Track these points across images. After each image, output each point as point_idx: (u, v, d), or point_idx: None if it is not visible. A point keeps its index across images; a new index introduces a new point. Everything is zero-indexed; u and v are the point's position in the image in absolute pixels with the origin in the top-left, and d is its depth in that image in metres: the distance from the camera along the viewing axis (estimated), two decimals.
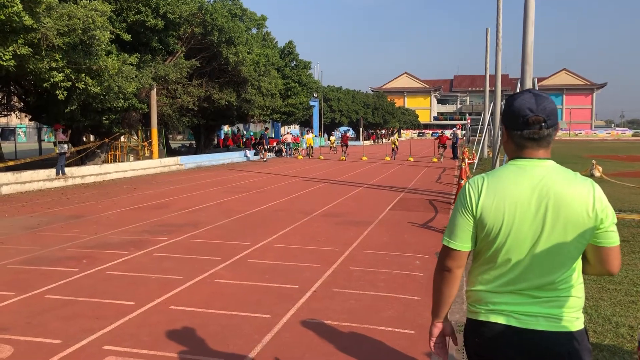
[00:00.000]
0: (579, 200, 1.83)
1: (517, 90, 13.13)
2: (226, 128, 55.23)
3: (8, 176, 16.33)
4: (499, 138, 22.66)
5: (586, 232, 1.84)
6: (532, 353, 1.88)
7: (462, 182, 13.63)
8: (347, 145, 37.30)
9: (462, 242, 1.96)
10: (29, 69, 14.99)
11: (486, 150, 32.96)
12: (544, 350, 1.87)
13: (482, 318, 1.98)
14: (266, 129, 36.44)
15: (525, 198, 1.85)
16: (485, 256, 1.96)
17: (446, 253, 2.02)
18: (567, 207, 1.83)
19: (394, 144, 35.05)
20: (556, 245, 1.84)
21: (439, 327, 2.17)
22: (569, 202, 1.83)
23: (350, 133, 75.83)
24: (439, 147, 32.92)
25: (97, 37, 15.98)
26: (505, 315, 1.92)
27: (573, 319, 1.89)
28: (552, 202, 1.84)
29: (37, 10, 13.80)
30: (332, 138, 46.49)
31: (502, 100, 28.64)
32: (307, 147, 38.46)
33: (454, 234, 1.97)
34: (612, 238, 1.89)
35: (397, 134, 44.00)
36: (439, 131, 39.45)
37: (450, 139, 35.86)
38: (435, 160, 31.01)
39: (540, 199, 1.85)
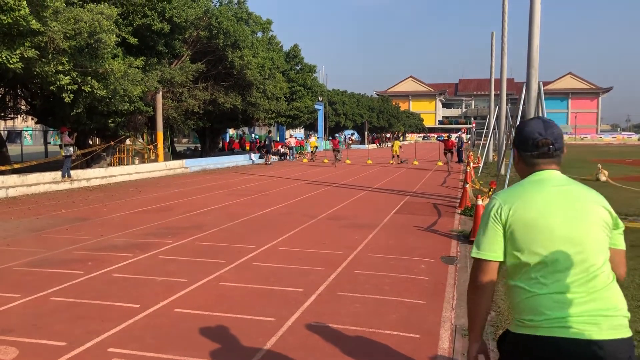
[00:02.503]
0: (599, 202, 2.00)
1: (523, 94, 13.14)
2: (231, 131, 55.37)
3: (14, 179, 16.40)
4: (504, 142, 22.60)
5: (608, 229, 1.99)
6: None
7: (467, 186, 13.59)
8: (338, 151, 33.20)
9: (493, 252, 2.02)
10: (35, 72, 15.06)
11: (491, 154, 32.88)
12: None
13: (541, 333, 1.91)
14: (269, 132, 36.07)
15: (553, 199, 1.98)
16: (528, 263, 1.97)
17: (478, 266, 2.06)
18: (592, 205, 1.98)
19: (395, 152, 32.54)
20: (592, 235, 1.94)
21: (477, 347, 2.14)
22: (592, 201, 1.99)
23: (355, 137, 75.86)
24: (445, 152, 28.79)
25: (103, 41, 16.04)
26: (563, 327, 1.89)
27: (626, 323, 1.94)
28: (578, 201, 1.98)
29: (44, 14, 13.87)
30: (312, 139, 40.23)
31: (507, 104, 28.60)
32: (311, 151, 38.48)
33: (484, 245, 2.03)
34: (622, 241, 2.06)
35: (400, 138, 41.58)
36: (445, 135, 36.39)
37: (455, 143, 33.41)
38: (440, 164, 30.38)
39: (566, 198, 1.99)
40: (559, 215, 1.94)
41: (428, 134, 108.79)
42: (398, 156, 32.56)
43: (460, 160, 33.17)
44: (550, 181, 2.04)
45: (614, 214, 2.02)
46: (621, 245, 2.03)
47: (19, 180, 16.47)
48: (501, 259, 2.02)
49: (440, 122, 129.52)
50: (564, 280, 1.91)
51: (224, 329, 4.95)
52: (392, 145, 34.21)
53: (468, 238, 9.04)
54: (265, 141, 32.61)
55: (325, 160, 35.18)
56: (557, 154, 2.07)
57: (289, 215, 11.79)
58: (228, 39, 25.79)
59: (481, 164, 28.48)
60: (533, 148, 2.06)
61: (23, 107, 25.41)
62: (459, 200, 13.82)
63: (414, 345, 4.61)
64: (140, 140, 28.05)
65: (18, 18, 13.06)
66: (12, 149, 26.01)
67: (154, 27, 20.44)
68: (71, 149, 18.69)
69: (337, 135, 38.70)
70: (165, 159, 26.10)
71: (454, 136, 37.92)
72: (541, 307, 1.91)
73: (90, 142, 25.05)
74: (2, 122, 33.03)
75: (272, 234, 9.60)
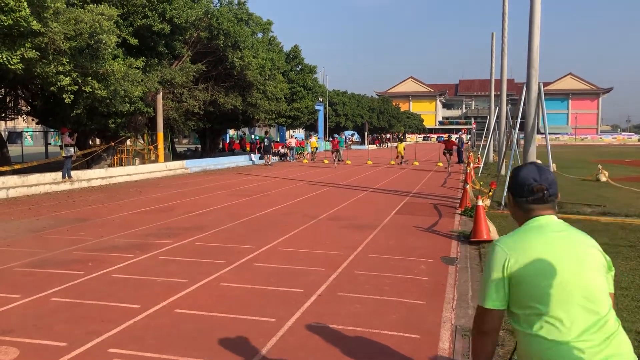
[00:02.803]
0: (595, 247, 2.07)
1: (523, 94, 13.13)
2: (232, 132, 55.37)
3: (15, 179, 16.42)
4: (504, 142, 22.61)
5: (606, 273, 2.06)
6: None
7: (467, 186, 13.60)
8: (337, 151, 32.73)
9: (498, 302, 2.06)
10: (36, 73, 15.07)
11: (492, 154, 32.88)
12: None
13: None
14: (266, 132, 35.84)
15: (557, 247, 2.02)
16: (542, 312, 1.99)
17: (483, 315, 2.10)
18: (591, 250, 2.05)
19: (400, 153, 32.87)
20: (598, 282, 2.01)
21: None
22: (591, 246, 2.06)
23: (356, 137, 75.84)
24: (444, 152, 28.88)
25: (103, 41, 16.05)
26: None
27: None
28: (579, 247, 2.05)
29: (45, 14, 13.89)
30: (313, 140, 40.02)
31: (507, 105, 28.61)
32: (312, 152, 38.48)
33: (490, 295, 2.07)
34: (612, 285, 2.11)
35: (403, 139, 41.17)
36: (445, 135, 36.19)
37: (456, 143, 33.13)
38: (441, 164, 30.27)
39: (569, 245, 2.04)
40: (566, 264, 1.99)
41: (428, 135, 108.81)
42: (402, 157, 32.80)
43: (460, 161, 33.16)
44: (550, 228, 2.08)
45: (608, 257, 2.09)
46: (612, 288, 2.10)
47: (19, 181, 16.49)
48: (504, 308, 2.07)
49: (441, 123, 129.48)
50: (581, 328, 1.94)
51: (224, 330, 4.95)
52: (397, 147, 34.23)
53: (468, 238, 9.04)
54: (264, 142, 32.56)
55: (326, 161, 35.16)
56: (552, 199, 2.12)
57: (289, 216, 11.80)
58: (228, 39, 25.80)
59: (481, 165, 28.49)
60: (528, 194, 2.11)
61: (24, 108, 25.42)
62: (459, 201, 13.82)
63: (414, 345, 4.61)
64: (141, 140, 28.06)
65: (19, 19, 13.07)
66: (13, 150, 26.01)
67: (155, 27, 20.45)
68: (71, 149, 18.70)
69: (336, 135, 38.10)
70: (166, 159, 26.11)
71: (454, 137, 37.71)
72: (564, 357, 1.93)
73: (90, 142, 25.05)
74: (3, 122, 33.04)
75: (272, 234, 9.61)
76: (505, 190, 2.23)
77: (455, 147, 30.68)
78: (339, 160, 32.78)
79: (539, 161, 2.14)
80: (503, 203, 12.94)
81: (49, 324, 5.09)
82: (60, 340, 4.68)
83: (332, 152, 32.99)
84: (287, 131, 55.04)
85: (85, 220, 11.18)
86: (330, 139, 36.99)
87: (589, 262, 2.02)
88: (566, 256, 2.00)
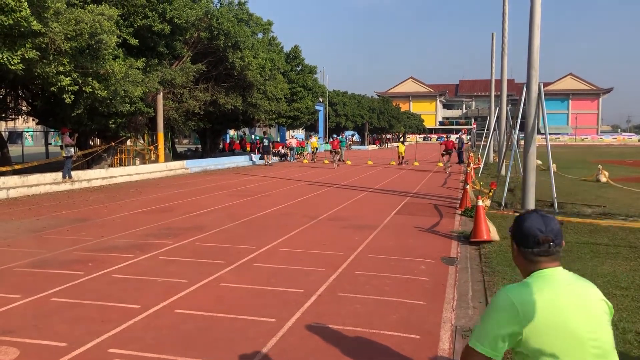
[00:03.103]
0: (601, 297, 2.11)
1: (523, 95, 13.13)
2: (232, 132, 55.36)
3: (15, 179, 16.42)
4: (504, 143, 22.61)
5: (608, 319, 2.10)
6: None
7: (467, 187, 13.60)
8: (336, 152, 32.08)
9: (495, 351, 2.04)
10: (36, 73, 15.07)
11: (492, 155, 32.88)
12: None
13: None
14: (265, 132, 35.69)
15: (567, 300, 2.04)
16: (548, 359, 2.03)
17: (473, 356, 2.09)
18: (598, 302, 2.09)
19: (401, 154, 32.57)
20: (606, 333, 2.05)
21: None
22: (597, 298, 2.10)
23: (356, 137, 75.80)
24: (443, 154, 28.75)
25: (104, 42, 16.05)
26: None
27: None
28: (588, 299, 2.07)
29: (45, 15, 13.89)
30: (313, 140, 39.46)
31: (507, 105, 28.61)
32: (312, 152, 38.47)
33: (488, 341, 2.05)
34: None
35: (402, 139, 40.78)
36: (444, 136, 35.75)
37: (455, 144, 32.66)
38: (441, 165, 30.16)
39: (578, 298, 2.06)
40: (577, 317, 2.02)
41: (428, 135, 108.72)
42: (402, 157, 32.73)
43: (460, 161, 33.14)
44: (558, 280, 2.09)
45: (610, 304, 2.12)
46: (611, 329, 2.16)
47: (19, 181, 16.49)
48: (499, 359, 2.06)
49: (441, 123, 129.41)
50: None
51: (225, 330, 4.96)
52: (397, 147, 34.19)
53: (468, 239, 9.05)
54: (263, 142, 32.54)
55: (326, 161, 35.12)
56: (557, 250, 2.12)
57: (289, 216, 11.80)
58: (229, 40, 25.80)
59: (481, 165, 28.48)
60: (534, 245, 2.10)
61: (24, 108, 25.42)
62: (459, 201, 13.82)
63: (414, 346, 4.62)
64: (141, 141, 28.07)
65: (19, 19, 13.08)
66: (13, 150, 26.02)
67: (155, 28, 20.45)
68: (72, 149, 18.71)
69: (335, 135, 37.77)
70: (166, 159, 26.12)
71: (454, 137, 37.58)
72: None
73: (91, 143, 25.05)
74: (3, 123, 33.05)
75: (272, 234, 9.61)
76: (510, 238, 2.23)
77: (454, 148, 30.47)
78: (339, 161, 32.67)
79: (545, 213, 2.14)
80: (503, 203, 12.94)
81: (49, 324, 5.09)
82: (60, 340, 4.68)
83: (331, 153, 32.36)
84: (287, 131, 55.05)
85: (86, 221, 11.18)
86: (330, 139, 36.55)
87: (597, 313, 2.05)
88: (577, 310, 2.03)
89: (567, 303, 2.03)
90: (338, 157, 32.34)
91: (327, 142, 51.16)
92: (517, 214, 2.22)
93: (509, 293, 2.08)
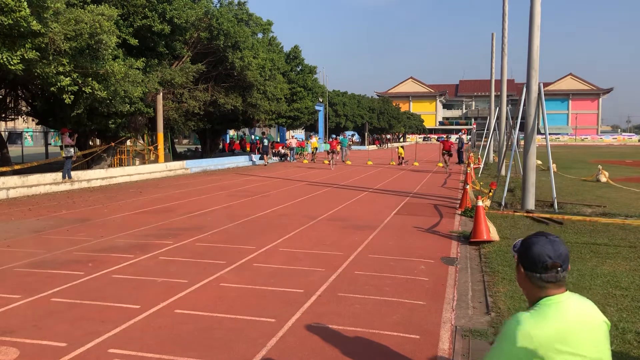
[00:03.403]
0: (603, 319, 2.18)
1: (523, 95, 13.13)
2: (232, 132, 55.37)
3: (15, 180, 16.42)
4: (504, 143, 22.60)
5: (608, 339, 2.19)
6: None
7: (467, 187, 13.59)
8: (334, 152, 30.55)
9: None
10: (36, 73, 15.07)
11: (492, 155, 32.88)
12: None
13: None
14: (263, 133, 35.53)
15: (574, 329, 2.09)
16: None
17: None
18: (602, 324, 2.16)
19: (401, 154, 32.99)
20: (605, 356, 2.12)
21: None
22: (601, 320, 2.16)
23: (356, 137, 75.80)
24: (443, 154, 28.03)
25: (103, 42, 16.05)
26: None
27: None
28: (592, 325, 2.13)
29: (45, 15, 13.89)
30: (314, 140, 38.95)
31: (507, 105, 28.60)
32: (312, 152, 38.46)
33: None
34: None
35: (401, 139, 40.62)
36: (444, 135, 35.47)
37: (455, 144, 32.43)
38: (441, 165, 30.04)
39: (584, 325, 2.11)
40: (586, 343, 2.08)
41: (428, 135, 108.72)
42: (402, 157, 32.98)
43: (460, 161, 33.14)
44: (567, 309, 2.12)
45: (609, 322, 2.20)
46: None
47: (19, 182, 16.49)
48: None
49: (441, 123, 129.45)
50: None
51: (224, 330, 4.95)
52: (398, 149, 34.56)
53: (468, 239, 9.05)
54: (263, 142, 32.54)
55: (326, 162, 35.10)
56: (564, 276, 2.15)
57: (289, 217, 11.80)
58: (228, 40, 25.80)
59: (481, 165, 28.48)
60: (542, 270, 2.13)
61: (24, 108, 25.43)
62: (459, 201, 13.82)
63: (414, 346, 4.62)
64: (141, 141, 28.06)
65: (19, 19, 13.07)
66: (13, 150, 26.02)
67: (155, 28, 20.46)
68: (72, 150, 18.70)
69: (334, 135, 37.48)
70: (166, 160, 26.12)
71: (454, 137, 37.53)
72: None
73: (90, 143, 25.04)
74: (3, 123, 33.08)
75: (272, 235, 9.61)
76: (515, 259, 2.26)
77: (454, 148, 30.05)
78: (341, 161, 32.48)
79: (552, 237, 2.19)
80: (503, 203, 12.94)
81: (49, 324, 5.09)
82: (60, 340, 4.68)
83: (329, 153, 30.85)
84: (287, 131, 55.03)
85: (86, 221, 11.18)
86: (329, 139, 36.05)
87: (601, 336, 2.13)
88: (586, 337, 2.09)
89: (577, 330, 2.08)
90: (337, 157, 31.80)
91: (326, 142, 51.15)
92: (525, 238, 2.24)
93: (522, 326, 2.08)
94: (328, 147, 32.52)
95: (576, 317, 2.11)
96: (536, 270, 2.12)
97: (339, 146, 34.20)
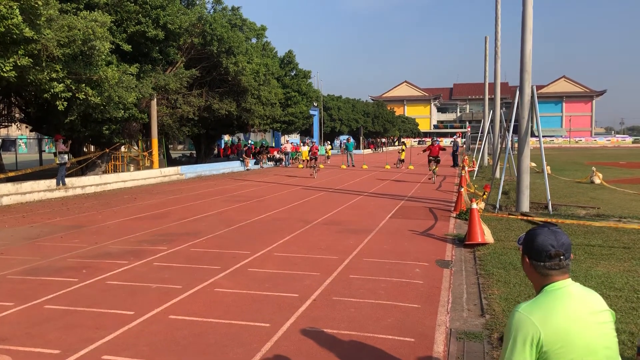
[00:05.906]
0: (606, 309, 2.25)
1: (516, 98, 13.18)
2: (226, 137, 55.32)
3: (9, 187, 16.34)
4: (499, 146, 22.66)
5: (614, 326, 2.26)
6: None
7: (462, 190, 13.62)
8: (315, 159, 27.02)
9: None
10: (29, 80, 15.03)
11: (486, 158, 32.98)
12: None
13: None
14: (248, 137, 35.55)
15: (581, 314, 2.16)
16: None
17: None
18: (606, 313, 2.23)
19: (401, 157, 34.31)
20: (615, 342, 2.23)
21: None
22: (603, 309, 2.24)
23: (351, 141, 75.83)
24: (430, 160, 22.98)
25: (97, 48, 16.03)
26: None
27: None
28: (595, 310, 2.20)
29: (38, 21, 13.86)
30: (305, 148, 35.34)
31: (501, 108, 28.69)
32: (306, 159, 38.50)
33: None
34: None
35: (403, 145, 40.94)
36: (430, 139, 33.70)
37: (444, 150, 26.72)
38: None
39: (590, 311, 2.19)
40: (590, 328, 2.15)
41: (423, 139, 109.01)
42: (402, 160, 33.93)
43: (455, 165, 33.20)
44: (570, 294, 2.20)
45: (612, 312, 2.27)
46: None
47: (13, 189, 16.41)
48: None
49: (435, 127, 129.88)
50: None
51: (219, 335, 4.94)
52: (399, 152, 35.37)
53: (463, 242, 9.06)
54: (261, 146, 32.58)
55: (321, 166, 35.10)
56: (567, 264, 2.24)
57: (284, 221, 11.79)
58: (222, 45, 25.82)
59: (476, 168, 28.54)
60: (546, 259, 2.22)
61: (17, 115, 25.37)
62: (454, 204, 13.84)
63: (408, 349, 4.61)
64: (135, 147, 28.00)
65: (11, 26, 13.04)
66: (7, 157, 25.93)
67: (148, 34, 20.45)
68: (66, 156, 18.64)
69: (313, 140, 36.96)
70: (160, 165, 26.07)
71: (448, 140, 37.77)
72: None
73: (85, 149, 24.99)
74: None
75: (267, 239, 9.60)
76: (520, 251, 2.37)
77: (443, 153, 25.58)
78: (352, 165, 33.08)
79: (554, 225, 2.25)
80: (497, 206, 12.97)
81: (43, 331, 5.07)
82: (53, 347, 4.65)
83: (310, 160, 27.75)
84: (282, 136, 55.04)
85: (80, 227, 11.14)
86: (306, 143, 32.11)
87: (606, 323, 2.20)
88: (589, 322, 2.15)
89: (581, 315, 2.15)
90: (315, 165, 27.20)
91: (322, 145, 51.10)
92: (529, 230, 2.34)
93: (526, 314, 2.15)
94: (323, 152, 32.50)
95: (580, 304, 2.18)
96: (540, 259, 2.23)
97: (332, 152, 34.55)
